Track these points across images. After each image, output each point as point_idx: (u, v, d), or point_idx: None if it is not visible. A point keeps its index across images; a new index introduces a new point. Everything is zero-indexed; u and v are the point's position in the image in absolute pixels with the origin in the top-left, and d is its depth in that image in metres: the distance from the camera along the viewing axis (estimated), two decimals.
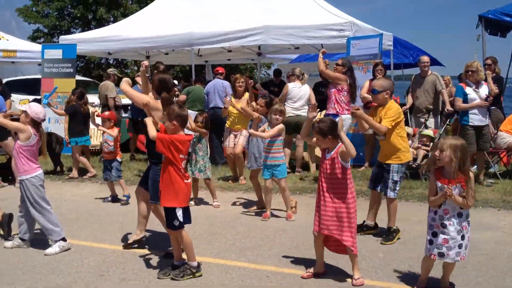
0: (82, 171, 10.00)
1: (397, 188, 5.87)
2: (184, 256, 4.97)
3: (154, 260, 5.35)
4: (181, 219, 4.75)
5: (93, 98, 15.23)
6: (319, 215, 4.79)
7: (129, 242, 5.78)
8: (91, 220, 7.00)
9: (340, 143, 4.73)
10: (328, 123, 4.75)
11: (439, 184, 4.29)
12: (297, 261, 5.27)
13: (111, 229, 6.55)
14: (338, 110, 8.82)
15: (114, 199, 8.10)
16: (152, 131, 4.69)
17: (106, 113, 8.48)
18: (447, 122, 10.03)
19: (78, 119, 9.72)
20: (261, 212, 7.08)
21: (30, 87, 15.49)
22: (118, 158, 8.16)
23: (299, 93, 9.58)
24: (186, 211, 4.83)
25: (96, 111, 10.44)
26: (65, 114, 9.87)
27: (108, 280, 4.86)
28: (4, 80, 16.44)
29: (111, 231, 6.43)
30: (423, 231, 6.06)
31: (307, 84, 10.02)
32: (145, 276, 4.91)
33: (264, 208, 7.13)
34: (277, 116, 6.90)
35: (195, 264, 4.85)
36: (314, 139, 4.95)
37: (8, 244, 5.84)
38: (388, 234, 5.89)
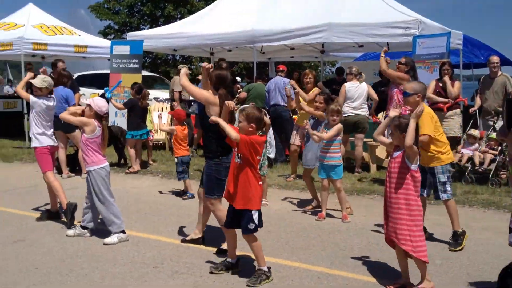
0: (143, 164, 10.27)
1: (448, 188, 5.62)
2: (254, 257, 4.84)
3: (208, 255, 5.41)
4: (257, 222, 4.71)
5: (158, 93, 15.65)
6: (386, 219, 4.66)
7: (186, 239, 5.85)
8: (150, 213, 7.16)
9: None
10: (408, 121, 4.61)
11: None
12: (350, 263, 5.18)
13: (168, 222, 6.68)
14: (400, 111, 8.59)
15: (182, 193, 8.24)
16: (233, 133, 4.58)
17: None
18: None
19: (136, 113, 9.92)
20: (317, 212, 7.02)
21: (101, 81, 15.98)
22: (176, 158, 8.13)
23: (356, 92, 9.42)
24: (260, 214, 4.79)
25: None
26: (123, 108, 10.12)
27: (162, 272, 4.96)
28: (76, 75, 17.17)
29: (168, 224, 6.56)
30: (485, 239, 5.86)
31: (365, 82, 9.85)
32: (197, 270, 4.97)
33: (320, 207, 7.06)
34: (334, 117, 6.83)
35: (266, 268, 4.76)
36: (383, 138, 4.79)
37: (70, 232, 6.07)
38: (455, 239, 5.63)
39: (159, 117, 8.71)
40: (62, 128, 9.14)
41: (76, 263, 5.16)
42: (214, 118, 4.74)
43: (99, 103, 5.98)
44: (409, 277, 4.64)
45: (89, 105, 5.96)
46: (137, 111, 9.92)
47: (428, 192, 5.83)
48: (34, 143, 6.70)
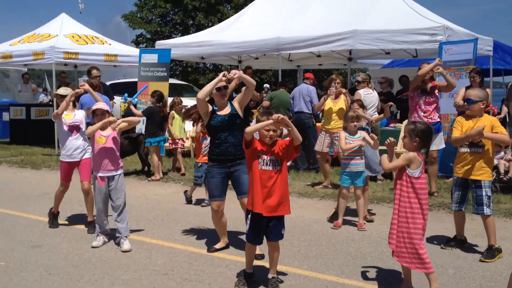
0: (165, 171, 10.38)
1: (491, 203, 5.58)
2: (272, 264, 4.82)
3: (219, 262, 5.43)
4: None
5: (187, 101, 15.79)
6: (391, 227, 4.65)
7: (217, 247, 5.83)
8: (167, 220, 7.22)
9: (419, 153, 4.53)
10: (425, 126, 4.58)
11: None
12: (360, 272, 5.13)
13: (183, 229, 6.71)
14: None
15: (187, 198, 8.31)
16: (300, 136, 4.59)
17: None
18: None
19: (153, 121, 10.00)
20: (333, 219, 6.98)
21: (132, 89, 16.22)
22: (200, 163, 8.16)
23: (371, 99, 9.27)
24: None
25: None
26: (142, 116, 10.17)
27: (171, 279, 4.99)
28: (108, 83, 17.50)
29: (183, 231, 6.60)
30: (504, 250, 5.69)
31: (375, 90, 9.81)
32: (206, 278, 4.99)
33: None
34: (355, 123, 6.80)
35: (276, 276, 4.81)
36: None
37: (95, 243, 6.00)
38: (489, 251, 5.50)
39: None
40: None
41: (89, 269, 5.25)
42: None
43: (105, 107, 6.17)
44: (410, 285, 4.58)
45: (108, 111, 6.07)
46: (154, 118, 10.00)
47: (466, 206, 5.78)
48: (88, 154, 6.74)
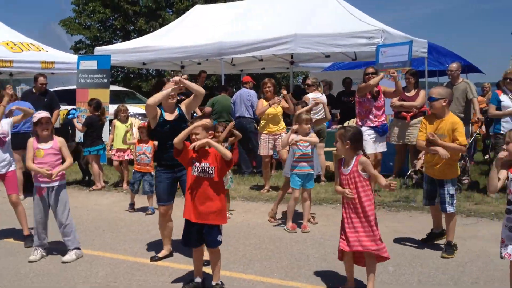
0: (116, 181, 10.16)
1: (455, 201, 5.70)
2: (214, 271, 4.79)
3: (162, 271, 5.35)
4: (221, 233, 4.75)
5: (129, 108, 15.50)
6: (345, 233, 4.60)
7: (160, 256, 5.73)
8: (108, 230, 7.06)
9: (359, 155, 4.58)
10: (355, 130, 4.68)
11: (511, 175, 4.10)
12: (304, 273, 5.17)
13: (125, 239, 6.59)
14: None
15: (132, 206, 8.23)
16: (225, 151, 4.56)
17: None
18: (477, 132, 9.72)
19: (92, 130, 9.76)
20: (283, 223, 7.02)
21: (71, 97, 15.76)
22: (152, 172, 8.03)
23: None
24: None
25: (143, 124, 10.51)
26: (84, 129, 9.82)
27: None
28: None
29: (125, 241, 6.47)
30: (443, 245, 5.87)
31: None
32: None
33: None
34: (308, 125, 6.82)
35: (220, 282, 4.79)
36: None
37: (33, 257, 5.77)
38: (448, 248, 5.65)
39: (127, 131, 8.75)
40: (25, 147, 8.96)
41: (26, 285, 5.06)
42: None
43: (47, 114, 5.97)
44: (353, 282, 4.72)
45: (49, 117, 5.86)
46: (94, 128, 9.78)
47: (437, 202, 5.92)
48: (13, 167, 6.48)
